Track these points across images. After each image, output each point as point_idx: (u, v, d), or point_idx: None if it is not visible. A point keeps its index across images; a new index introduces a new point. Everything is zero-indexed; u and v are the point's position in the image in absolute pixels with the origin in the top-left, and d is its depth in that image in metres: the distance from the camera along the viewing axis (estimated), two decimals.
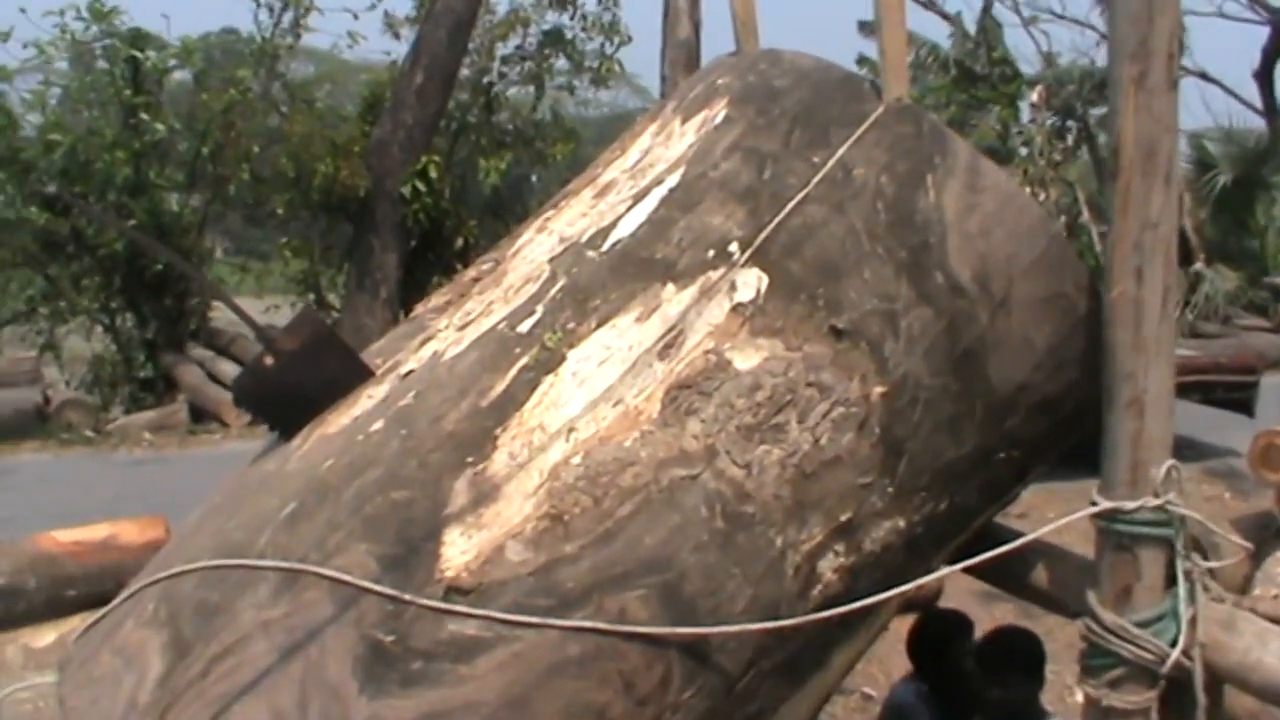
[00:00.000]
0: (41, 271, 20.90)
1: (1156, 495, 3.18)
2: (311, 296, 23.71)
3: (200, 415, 18.81)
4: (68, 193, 19.87)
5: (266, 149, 22.63)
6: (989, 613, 6.50)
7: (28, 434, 17.24)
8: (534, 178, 26.24)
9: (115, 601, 3.46)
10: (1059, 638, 5.13)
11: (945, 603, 6.35)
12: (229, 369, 19.29)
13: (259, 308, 21.72)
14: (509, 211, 24.10)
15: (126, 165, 20.23)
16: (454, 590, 2.94)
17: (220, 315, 22.00)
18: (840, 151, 3.41)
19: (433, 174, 21.08)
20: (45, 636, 6.99)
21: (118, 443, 17.30)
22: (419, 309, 4.05)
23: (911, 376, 3.28)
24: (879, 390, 3.25)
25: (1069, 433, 3.73)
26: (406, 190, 20.87)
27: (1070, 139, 28.65)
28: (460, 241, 22.44)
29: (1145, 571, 3.24)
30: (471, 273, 3.89)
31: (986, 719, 4.86)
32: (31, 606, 7.22)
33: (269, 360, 3.60)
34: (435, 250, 22.55)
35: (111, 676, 3.23)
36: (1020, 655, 4.75)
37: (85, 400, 19.13)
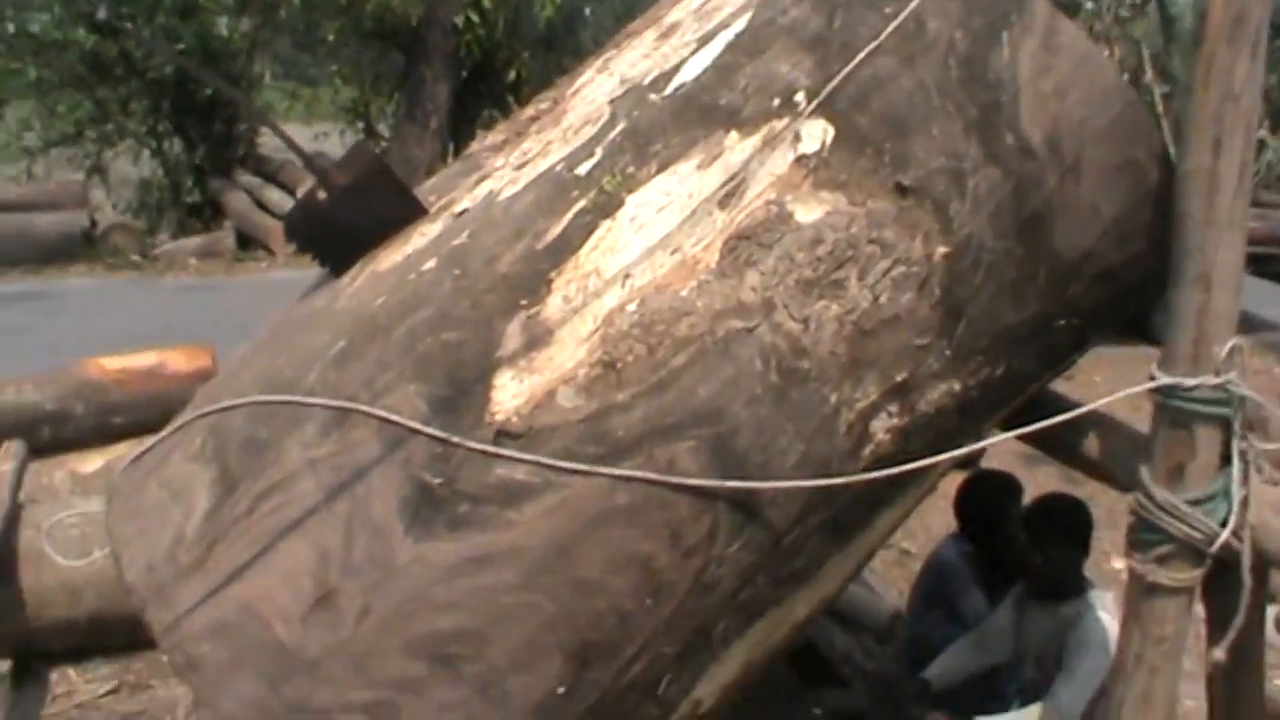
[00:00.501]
0: (89, 94, 20.78)
1: (1218, 374, 3.11)
2: (360, 125, 23.60)
3: (247, 242, 18.82)
4: (116, 15, 19.74)
5: None
6: (1032, 476, 6.47)
7: (74, 257, 17.29)
8: (587, 10, 25.84)
9: (163, 433, 3.46)
10: (1100, 503, 5.12)
11: (989, 463, 6.32)
12: (276, 196, 19.24)
13: (307, 135, 21.68)
14: (562, 45, 23.82)
15: None
16: (503, 434, 2.92)
17: (268, 141, 21.93)
18: (914, 3, 3.30)
19: (486, 4, 20.83)
20: (92, 462, 7.08)
21: (164, 268, 17.35)
22: (474, 146, 3.99)
23: (975, 238, 3.21)
24: (942, 250, 3.18)
25: (1131, 303, 3.67)
26: (459, 20, 20.64)
27: None
28: (512, 74, 22.21)
29: (1200, 449, 3.18)
30: (529, 111, 3.82)
31: (1029, 583, 4.85)
32: (79, 433, 7.31)
33: (321, 194, 3.56)
34: (486, 82, 22.35)
35: (159, 509, 3.24)
36: (1067, 524, 4.73)
37: (132, 224, 19.12)
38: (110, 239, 17.85)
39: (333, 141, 21.99)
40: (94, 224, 18.26)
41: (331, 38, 22.27)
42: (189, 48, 19.61)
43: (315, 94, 25.25)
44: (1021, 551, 4.82)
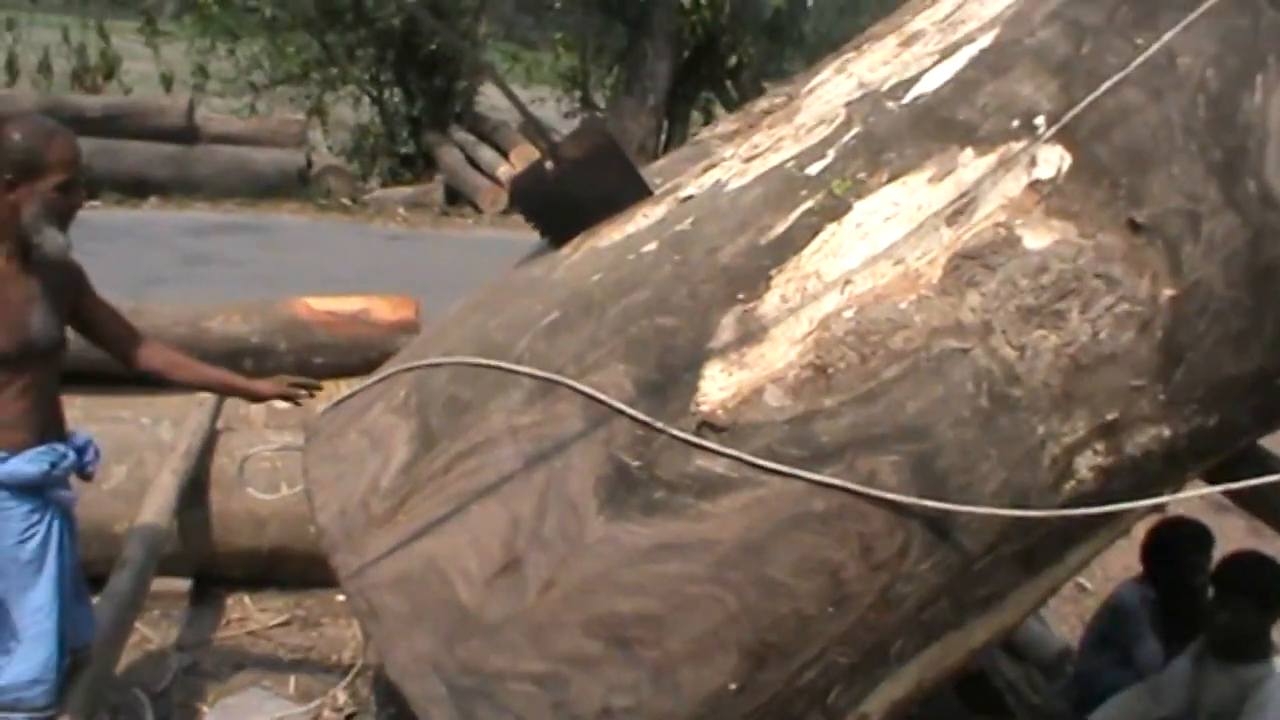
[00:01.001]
0: (318, 37, 21.14)
1: None
2: (578, 94, 23.76)
3: (455, 197, 19.04)
4: None
5: None
6: (1219, 525, 6.31)
7: (288, 195, 17.65)
8: (809, 2, 25.65)
9: (368, 380, 3.53)
10: None
11: (1175, 509, 6.19)
12: (489, 155, 19.42)
13: (524, 99, 21.86)
14: (786, 35, 23.74)
15: None
16: (707, 425, 2.92)
17: (485, 100, 22.17)
18: (1167, 35, 3.23)
19: None
20: None
21: (373, 214, 17.65)
22: (704, 133, 3.99)
23: (1205, 284, 3.14)
24: (1169, 293, 3.11)
25: None
26: (686, 0, 20.66)
27: None
28: (734, 60, 22.17)
29: None
30: (763, 104, 3.82)
31: (1212, 639, 4.74)
32: (280, 367, 7.46)
33: (550, 165, 3.59)
34: (708, 65, 22.33)
35: (357, 456, 3.31)
36: (1258, 583, 4.60)
37: (346, 168, 19.46)
38: (324, 180, 18.18)
39: (548, 107, 22.21)
40: (310, 164, 18.60)
41: (559, 4, 22.45)
42: (419, 1, 19.88)
43: (536, 58, 25.48)
44: (1205, 605, 4.71)
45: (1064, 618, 7.14)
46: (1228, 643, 4.61)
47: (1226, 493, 3.96)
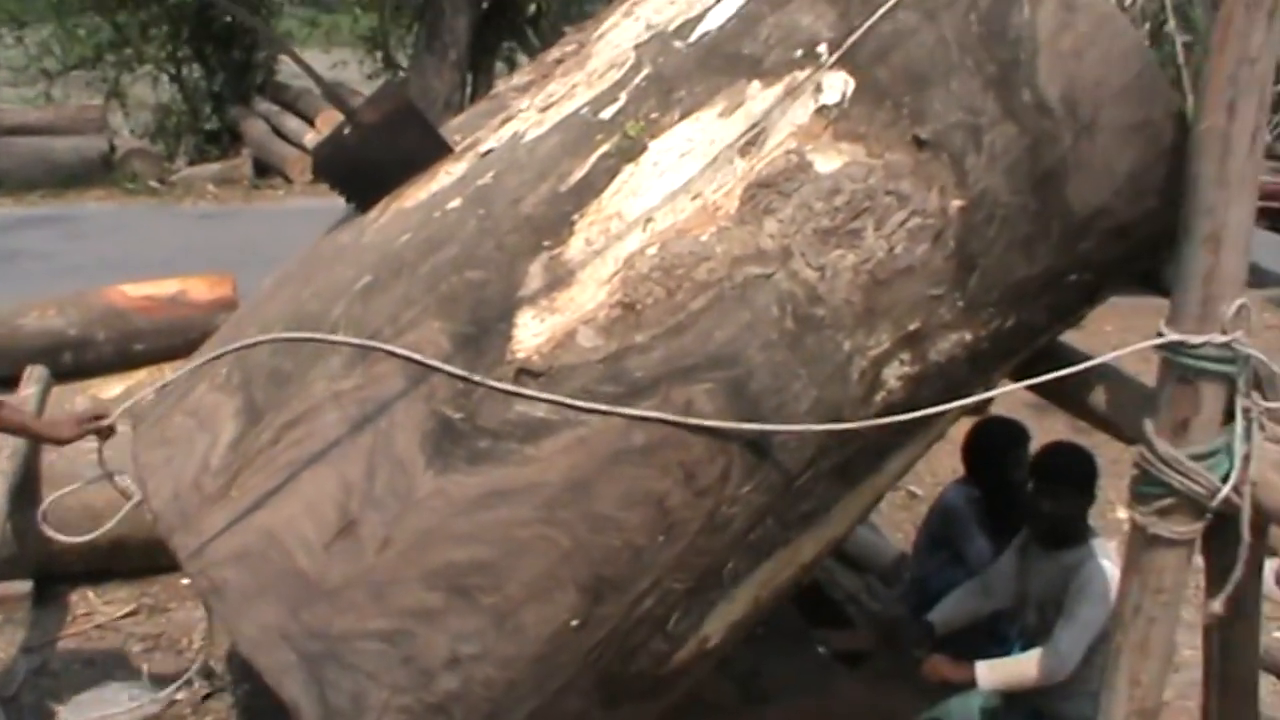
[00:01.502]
0: (110, 18, 20.64)
1: (1224, 332, 3.16)
2: (379, 54, 23.51)
3: (264, 170, 18.76)
4: None
5: None
6: (1040, 425, 6.51)
7: (93, 182, 17.26)
8: None
9: (189, 363, 3.53)
10: (1103, 454, 5.15)
11: (997, 412, 6.38)
12: (294, 124, 19.16)
13: (326, 63, 21.51)
14: None
15: None
16: (524, 372, 2.99)
17: (286, 68, 21.85)
18: None
19: None
20: (113, 388, 7.12)
21: (182, 194, 17.33)
22: (500, 86, 4.03)
23: (990, 192, 3.27)
24: (957, 204, 3.24)
25: (1141, 259, 3.72)
26: None
27: None
28: (532, 8, 22.08)
29: (1205, 406, 3.24)
30: (555, 53, 3.87)
31: (1034, 529, 4.91)
32: (100, 358, 7.34)
33: (349, 131, 3.61)
34: (507, 14, 22.18)
35: (185, 437, 3.32)
36: (1074, 471, 4.76)
37: (150, 150, 19.08)
38: (128, 164, 17.81)
39: (351, 70, 21.92)
40: (113, 149, 18.21)
41: None
42: None
43: (334, 21, 25.14)
44: (1027, 498, 4.87)
45: (898, 524, 7.32)
46: (1050, 530, 4.77)
47: (1042, 392, 4.10)
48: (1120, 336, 8.29)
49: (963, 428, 5.51)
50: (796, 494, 3.24)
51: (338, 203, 3.73)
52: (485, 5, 21.52)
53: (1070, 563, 4.65)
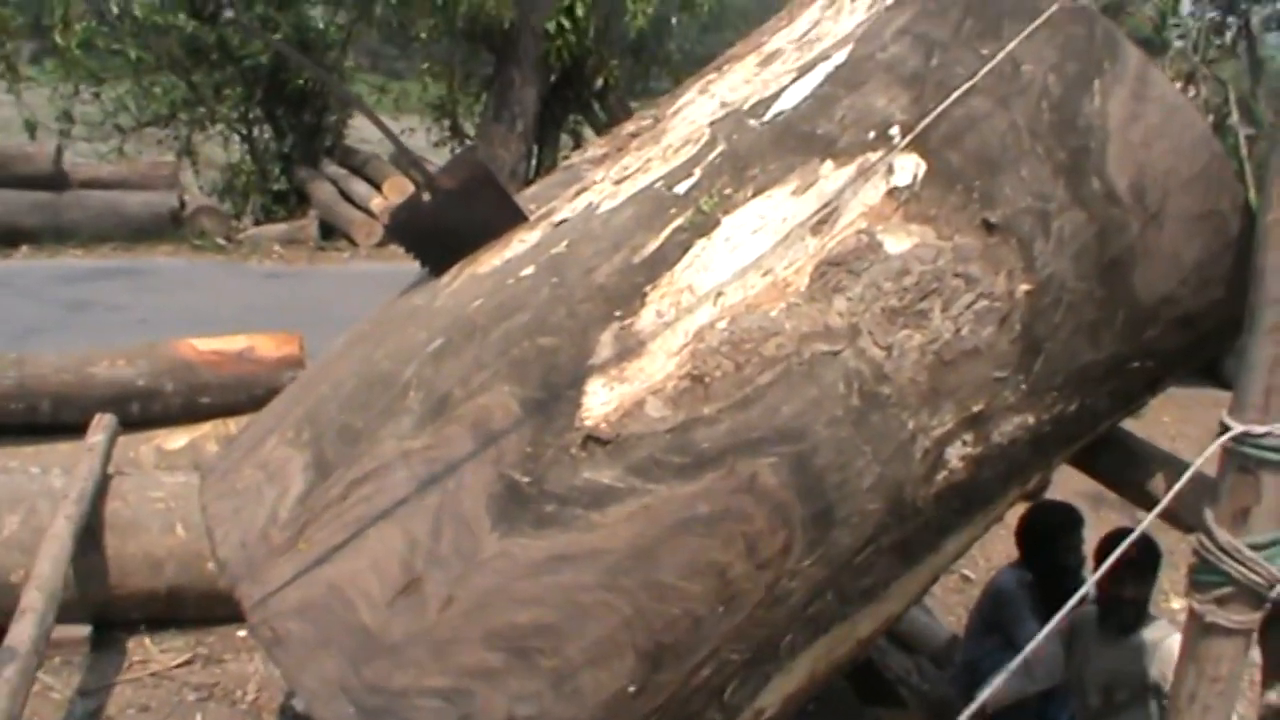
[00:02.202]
0: (185, 77, 20.98)
1: None
2: (447, 123, 23.75)
3: (329, 232, 18.98)
4: (215, 1, 20.03)
5: None
6: (1096, 515, 6.51)
7: (162, 237, 17.52)
8: (674, 20, 25.80)
9: (259, 415, 3.58)
10: (1160, 543, 5.14)
11: (1052, 497, 6.37)
12: (362, 188, 19.41)
13: (394, 129, 21.80)
14: (650, 55, 23.95)
15: None
16: (592, 439, 3.03)
17: (355, 133, 22.13)
18: (1010, 46, 3.39)
19: (579, 11, 20.93)
20: (178, 439, 7.22)
21: (248, 253, 17.56)
22: (574, 158, 4.10)
23: (1058, 278, 3.30)
24: (1024, 288, 3.27)
25: (1206, 348, 3.75)
26: (551, 26, 20.76)
27: (1229, 36, 27.84)
28: (600, 82, 22.30)
29: (1266, 496, 3.25)
30: (630, 127, 3.93)
31: (1110, 614, 4.92)
32: (167, 409, 7.47)
33: (426, 196, 3.68)
34: (574, 88, 22.43)
35: (254, 489, 3.37)
36: (1138, 557, 4.78)
37: (219, 208, 19.32)
38: (197, 221, 18.06)
39: (418, 137, 22.18)
40: (182, 205, 18.46)
41: (424, 35, 22.47)
42: (285, 38, 19.83)
43: (403, 89, 25.43)
44: (1080, 584, 4.87)
45: (950, 608, 7.32)
46: (1131, 615, 4.78)
47: (1102, 478, 4.12)
48: (1178, 427, 8.28)
49: (1018, 511, 5.51)
50: (856, 570, 3.26)
51: (402, 266, 3.80)
52: (554, 78, 21.79)
53: (1140, 643, 4.65)
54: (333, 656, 3.08)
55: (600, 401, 3.07)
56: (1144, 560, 4.78)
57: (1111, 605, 4.87)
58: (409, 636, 3.03)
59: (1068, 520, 5.67)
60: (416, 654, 3.03)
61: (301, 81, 20.26)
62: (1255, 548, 3.23)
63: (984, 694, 5.08)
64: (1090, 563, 5.01)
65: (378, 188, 19.04)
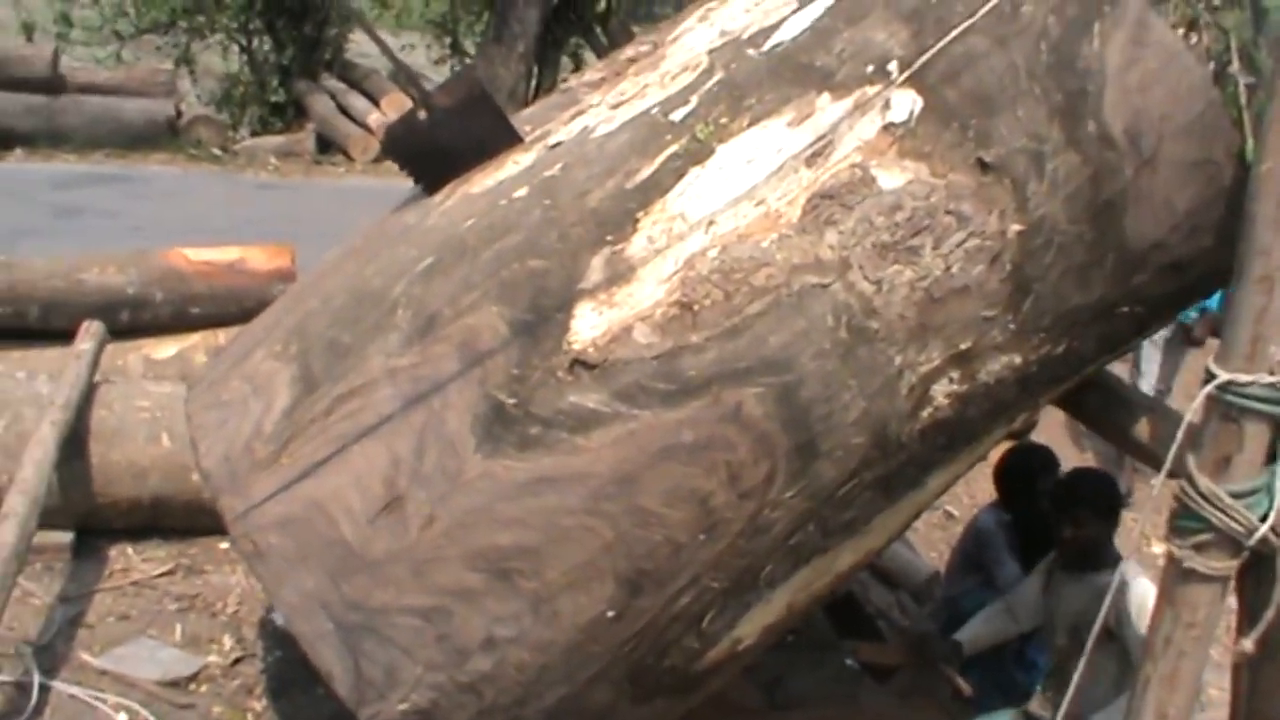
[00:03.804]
0: None
1: (1272, 372, 3.20)
2: (447, 41, 23.60)
3: (326, 146, 18.84)
4: None
5: None
6: (1079, 453, 6.54)
7: (158, 145, 17.37)
8: None
9: (248, 327, 3.58)
10: (1141, 488, 5.17)
11: (1039, 438, 6.40)
12: (360, 103, 19.25)
13: (393, 46, 21.62)
14: None
15: None
16: (579, 363, 3.04)
17: (355, 48, 21.97)
18: None
19: None
20: (167, 349, 7.18)
21: (244, 164, 17.43)
22: (572, 81, 4.08)
23: (1050, 219, 3.30)
24: (1016, 228, 3.27)
25: (1193, 295, 3.77)
26: None
27: None
28: (602, 5, 22.14)
29: (1248, 444, 3.27)
30: (629, 52, 3.91)
31: (1059, 555, 4.95)
32: (156, 318, 7.41)
33: (422, 114, 3.66)
34: (576, 9, 22.26)
35: (240, 402, 3.38)
36: (1091, 495, 4.80)
37: (216, 118, 19.16)
38: (194, 130, 17.91)
39: (418, 54, 22.00)
40: (179, 114, 18.32)
41: None
42: None
43: (405, 4, 25.23)
44: (1052, 524, 4.90)
45: (933, 544, 7.35)
46: (1076, 555, 4.81)
47: (1087, 420, 4.13)
48: None
49: (1002, 450, 5.54)
50: (838, 503, 3.28)
51: (397, 183, 3.78)
52: (555, 0, 21.60)
53: (1101, 586, 4.67)
54: (313, 572, 3.11)
55: (589, 325, 3.07)
56: (1099, 500, 4.80)
57: (1059, 545, 4.90)
58: (389, 554, 3.06)
59: (1042, 463, 5.71)
60: (396, 572, 3.05)
61: None
62: (1236, 495, 3.25)
63: (967, 631, 5.15)
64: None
65: (376, 103, 18.88)
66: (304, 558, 3.12)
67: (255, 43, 21.25)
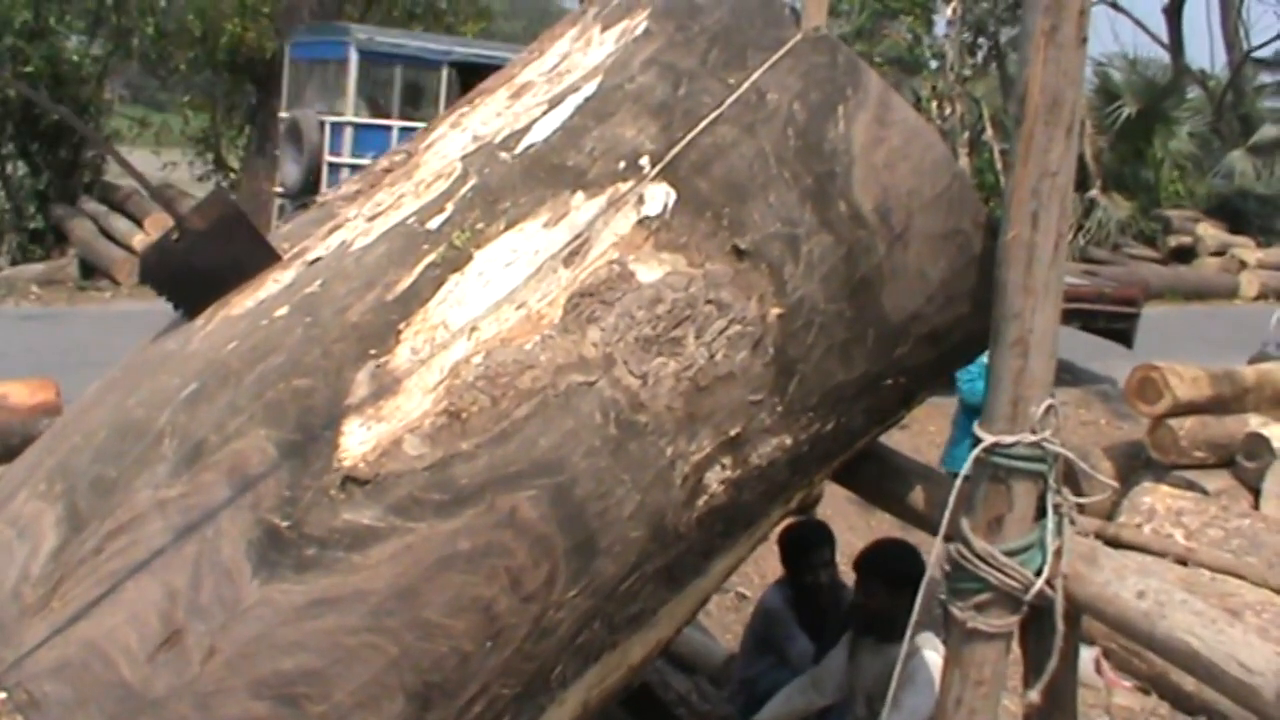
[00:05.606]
0: None
1: (1034, 432, 3.31)
2: (210, 156, 23.42)
3: (90, 271, 18.54)
4: None
5: (173, 2, 22.25)
6: (866, 522, 6.65)
7: None
8: None
9: (8, 469, 3.48)
10: (927, 552, 5.26)
11: (825, 510, 6.50)
12: (123, 225, 18.99)
13: (156, 164, 21.39)
14: None
15: (26, 8, 19.78)
16: (350, 480, 3.00)
17: (115, 168, 21.64)
18: (756, 75, 3.46)
19: None
20: None
21: (4, 294, 17.04)
22: (328, 194, 4.06)
23: (808, 300, 3.37)
24: (776, 311, 3.33)
25: (955, 362, 3.87)
26: None
27: (980, 56, 28.87)
28: None
29: (1017, 503, 3.37)
30: (383, 163, 3.91)
31: (855, 624, 5.02)
32: None
33: (176, 238, 3.61)
34: None
35: (4, 546, 3.26)
36: (892, 567, 4.90)
37: None
38: None
39: (181, 171, 21.83)
40: None
41: (185, 67, 22.13)
42: (37, 70, 19.39)
43: (165, 122, 24.99)
44: (840, 596, 4.99)
45: (728, 626, 7.40)
46: (864, 624, 4.89)
47: (863, 492, 4.21)
48: (944, 436, 8.47)
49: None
50: (623, 598, 3.29)
51: (166, 307, 3.72)
52: None
53: (894, 656, 4.74)
54: (93, 716, 3.00)
55: (358, 441, 3.05)
56: (891, 572, 4.89)
57: (853, 614, 4.99)
58: (172, 690, 2.97)
59: (817, 536, 5.82)
60: (180, 708, 2.96)
61: (56, 116, 19.76)
62: (1010, 553, 3.35)
63: (769, 710, 5.19)
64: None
65: (140, 224, 18.65)
66: (83, 702, 3.02)
67: (9, 169, 20.81)
